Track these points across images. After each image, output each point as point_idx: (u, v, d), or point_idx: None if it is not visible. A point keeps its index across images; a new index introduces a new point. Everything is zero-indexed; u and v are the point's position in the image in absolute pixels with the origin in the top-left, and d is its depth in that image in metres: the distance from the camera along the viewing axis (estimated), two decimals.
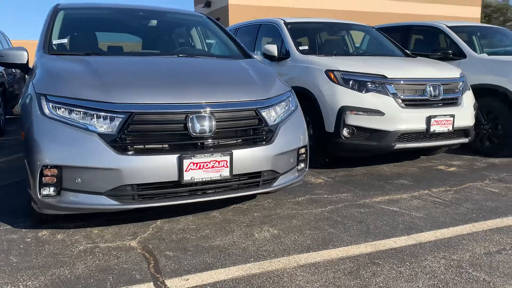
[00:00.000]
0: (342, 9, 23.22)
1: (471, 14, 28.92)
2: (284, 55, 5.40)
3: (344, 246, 2.85)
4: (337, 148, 4.61)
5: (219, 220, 3.29)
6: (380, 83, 4.47)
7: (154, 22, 4.25)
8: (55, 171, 2.65)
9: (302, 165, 3.38)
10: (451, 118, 4.59)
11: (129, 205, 2.70)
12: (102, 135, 2.64)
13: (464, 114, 4.76)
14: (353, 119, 4.43)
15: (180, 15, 4.46)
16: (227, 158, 2.79)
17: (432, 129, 4.50)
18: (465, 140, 4.86)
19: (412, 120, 4.46)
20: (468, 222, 3.30)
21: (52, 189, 2.70)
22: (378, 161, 5.24)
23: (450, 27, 6.52)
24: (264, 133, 3.01)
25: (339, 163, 5.09)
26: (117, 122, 2.65)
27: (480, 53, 6.05)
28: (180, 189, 2.76)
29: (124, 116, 2.65)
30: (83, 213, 3.12)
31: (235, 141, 2.90)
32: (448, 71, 4.90)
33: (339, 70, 4.58)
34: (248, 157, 2.88)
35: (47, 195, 2.70)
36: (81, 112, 2.69)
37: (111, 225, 3.16)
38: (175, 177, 2.71)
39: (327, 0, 23.29)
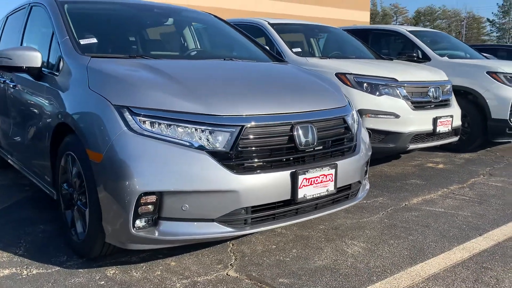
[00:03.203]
0: (232, 8, 22.08)
1: (361, 18, 31.23)
2: None
3: (440, 253, 2.83)
4: None
5: (292, 237, 3.06)
6: (392, 86, 4.56)
7: (171, 21, 3.80)
8: (154, 198, 2.21)
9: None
10: (451, 119, 4.88)
11: (242, 231, 2.36)
12: (212, 153, 2.26)
13: (457, 114, 5.09)
14: (369, 122, 4.45)
15: (192, 14, 4.05)
16: (333, 171, 2.60)
17: (438, 129, 4.73)
18: (455, 138, 5.20)
19: (421, 121, 4.64)
20: None
21: (148, 220, 2.25)
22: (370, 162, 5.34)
23: (411, 32, 6.93)
24: (351, 141, 2.86)
25: None
26: (227, 137, 2.30)
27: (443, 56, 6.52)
28: (289, 208, 2.49)
29: (234, 130, 2.31)
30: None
31: (331, 152, 2.71)
32: (439, 74, 5.19)
33: (351, 73, 4.58)
34: (347, 169, 2.71)
35: (142, 228, 2.25)
36: (181, 127, 2.28)
37: (181, 253, 2.75)
38: (288, 196, 2.43)
39: None
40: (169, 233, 2.26)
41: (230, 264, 2.63)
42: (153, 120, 2.27)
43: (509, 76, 5.81)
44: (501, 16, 66.04)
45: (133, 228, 2.22)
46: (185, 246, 2.77)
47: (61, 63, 2.87)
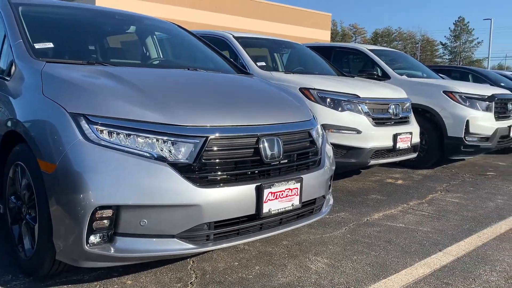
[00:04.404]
0: (194, 21, 21.53)
1: (322, 37, 31.97)
2: None
3: (403, 269, 2.83)
4: None
5: (255, 253, 2.97)
6: (354, 102, 4.62)
7: (133, 29, 3.68)
8: (110, 212, 2.08)
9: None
10: (410, 136, 4.98)
11: (204, 248, 2.25)
12: (174, 165, 2.16)
13: (416, 131, 5.20)
14: (331, 137, 4.47)
15: (155, 23, 3.95)
16: (298, 185, 2.55)
17: (397, 145, 4.82)
18: (414, 155, 5.31)
19: (382, 137, 4.70)
20: (471, 233, 3.57)
21: (103, 235, 2.11)
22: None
23: (371, 50, 7.09)
24: (316, 156, 2.83)
25: None
26: (190, 149, 2.20)
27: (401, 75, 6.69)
28: (253, 223, 2.41)
29: (198, 141, 2.22)
30: None
31: (297, 166, 2.66)
32: (399, 91, 5.31)
33: (314, 88, 4.60)
34: (312, 183, 2.67)
35: (97, 244, 2.11)
36: (141, 137, 2.17)
37: (137, 271, 2.61)
38: (252, 210, 2.35)
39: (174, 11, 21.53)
40: (126, 250, 2.12)
41: (190, 283, 2.51)
42: (112, 130, 2.15)
43: (464, 96, 6.03)
44: (453, 39, 69.56)
45: (86, 245, 2.08)
46: (142, 263, 2.63)
47: (13, 68, 2.70)
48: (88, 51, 3.25)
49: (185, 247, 2.20)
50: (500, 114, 6.37)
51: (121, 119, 2.19)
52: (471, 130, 5.90)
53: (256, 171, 2.41)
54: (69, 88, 2.32)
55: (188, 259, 2.81)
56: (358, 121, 4.58)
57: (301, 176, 2.58)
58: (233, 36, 5.61)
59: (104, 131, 2.15)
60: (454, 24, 68.98)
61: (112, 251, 2.11)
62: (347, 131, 4.51)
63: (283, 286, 2.51)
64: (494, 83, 9.27)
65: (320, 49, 7.38)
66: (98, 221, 2.07)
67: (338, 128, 4.47)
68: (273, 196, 2.41)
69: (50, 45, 2.89)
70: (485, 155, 7.59)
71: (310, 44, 7.58)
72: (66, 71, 2.51)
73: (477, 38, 68.44)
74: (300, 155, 2.69)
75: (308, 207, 2.76)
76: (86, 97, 2.25)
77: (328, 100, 4.56)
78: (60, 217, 2.11)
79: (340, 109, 4.57)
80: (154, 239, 2.15)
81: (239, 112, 2.50)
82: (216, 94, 2.70)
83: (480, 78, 9.88)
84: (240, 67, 3.81)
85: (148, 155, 2.14)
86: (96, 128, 2.14)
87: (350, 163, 4.59)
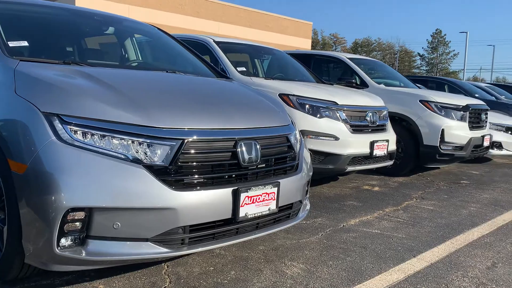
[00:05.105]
0: (177, 26, 21.50)
1: (303, 45, 32.24)
2: None
3: (377, 274, 2.85)
4: None
5: (231, 258, 2.95)
6: (333, 109, 4.66)
7: (111, 30, 3.64)
8: (82, 214, 2.04)
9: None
10: (387, 143, 5.05)
11: (179, 252, 2.22)
12: (149, 167, 2.13)
13: (392, 139, 5.28)
14: (309, 143, 4.50)
15: (134, 25, 3.91)
16: (275, 189, 2.55)
17: (374, 152, 4.87)
18: (390, 162, 5.38)
19: (359, 144, 4.75)
20: (445, 240, 3.63)
21: (74, 238, 2.07)
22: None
23: (350, 59, 7.18)
24: (294, 160, 2.84)
25: None
26: (166, 151, 2.18)
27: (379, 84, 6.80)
28: (229, 227, 2.40)
29: (175, 143, 2.20)
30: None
31: (274, 171, 2.66)
32: (377, 100, 5.38)
33: (294, 95, 4.62)
34: (289, 188, 2.68)
35: (68, 247, 2.06)
36: (116, 138, 2.13)
37: (110, 276, 2.56)
38: (228, 214, 2.34)
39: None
40: (98, 253, 2.08)
41: (165, 287, 2.47)
42: (86, 130, 2.11)
43: (440, 105, 6.15)
44: (430, 51, 71.05)
45: (57, 247, 2.03)
46: (115, 267, 2.58)
47: None
48: (64, 51, 3.20)
49: (159, 251, 2.16)
50: (474, 124, 6.53)
51: (95, 120, 2.15)
52: (446, 139, 6.02)
53: (233, 175, 2.39)
54: (43, 87, 2.27)
55: (163, 264, 2.77)
56: (336, 127, 4.62)
57: (278, 180, 2.58)
58: (214, 41, 5.60)
59: (78, 132, 2.11)
60: (431, 36, 70.51)
61: (84, 255, 2.06)
62: (325, 138, 4.54)
63: None
64: (468, 94, 9.50)
65: (301, 57, 7.44)
66: (69, 224, 2.02)
67: (316, 134, 4.50)
68: (250, 200, 2.40)
69: (25, 43, 2.84)
70: (459, 164, 7.75)
71: (290, 51, 7.62)
72: (41, 70, 2.46)
73: (454, 50, 69.98)
74: (278, 160, 2.69)
75: (285, 212, 2.76)
76: (60, 97, 2.21)
77: (307, 106, 4.59)
78: (31, 219, 2.06)
79: (318, 115, 4.60)
80: (128, 243, 2.11)
81: (217, 115, 2.49)
82: (194, 96, 2.68)
83: (456, 88, 10.11)
84: (220, 72, 3.81)
85: (123, 157, 2.11)
86: (70, 128, 2.10)
87: (328, 169, 4.62)
